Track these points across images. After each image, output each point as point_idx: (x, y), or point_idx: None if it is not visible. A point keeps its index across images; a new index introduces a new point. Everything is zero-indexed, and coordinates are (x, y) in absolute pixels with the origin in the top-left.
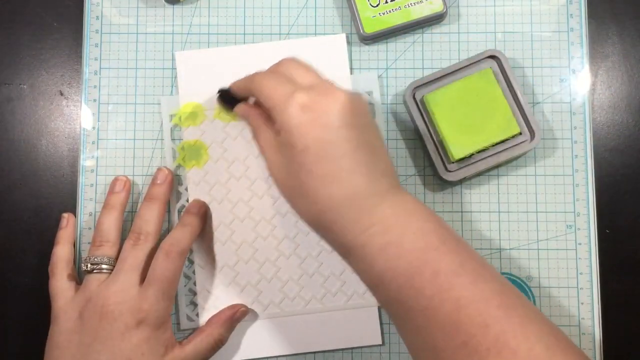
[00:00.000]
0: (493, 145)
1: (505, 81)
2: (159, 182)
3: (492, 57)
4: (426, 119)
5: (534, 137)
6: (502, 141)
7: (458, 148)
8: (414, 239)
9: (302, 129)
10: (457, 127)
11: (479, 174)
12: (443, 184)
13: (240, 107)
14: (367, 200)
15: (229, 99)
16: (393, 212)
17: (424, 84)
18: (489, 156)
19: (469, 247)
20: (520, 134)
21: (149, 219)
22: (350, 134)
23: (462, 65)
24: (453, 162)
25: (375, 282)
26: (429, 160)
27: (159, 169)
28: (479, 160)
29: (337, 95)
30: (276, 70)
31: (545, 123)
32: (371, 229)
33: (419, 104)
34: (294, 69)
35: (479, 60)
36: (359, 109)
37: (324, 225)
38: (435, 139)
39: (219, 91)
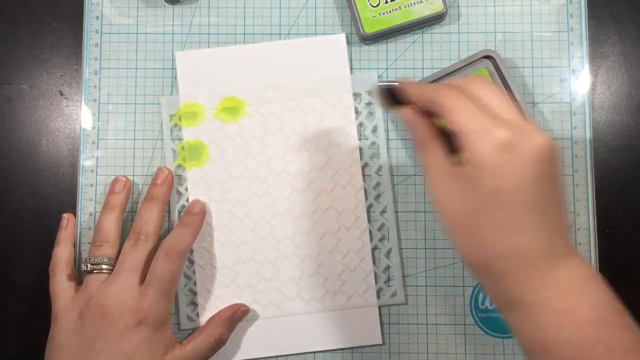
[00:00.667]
0: None
1: (502, 81)
2: (159, 182)
3: (488, 57)
4: None
5: None
6: None
7: None
8: (588, 308)
9: (498, 170)
10: None
11: None
12: None
13: (408, 114)
14: (545, 260)
15: (389, 93)
16: (568, 277)
17: None
18: None
19: (630, 317)
20: None
21: (148, 219)
22: (543, 186)
23: (458, 67)
24: None
25: (537, 346)
26: None
27: (159, 169)
28: None
29: (539, 140)
30: (464, 89)
31: (545, 123)
32: (545, 292)
33: None
34: (489, 95)
35: (474, 61)
36: (556, 158)
37: (490, 273)
38: None
39: (384, 86)
